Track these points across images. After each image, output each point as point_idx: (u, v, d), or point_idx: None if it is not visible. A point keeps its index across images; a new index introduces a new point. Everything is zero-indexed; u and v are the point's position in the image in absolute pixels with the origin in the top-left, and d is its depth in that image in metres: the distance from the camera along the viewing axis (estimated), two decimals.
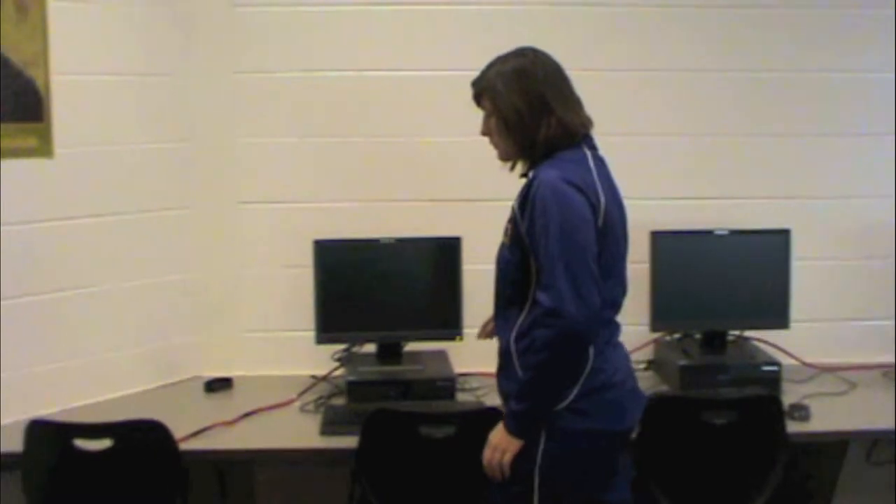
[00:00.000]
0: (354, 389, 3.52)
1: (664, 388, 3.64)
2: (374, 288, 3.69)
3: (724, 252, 3.76)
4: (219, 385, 3.71)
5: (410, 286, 3.71)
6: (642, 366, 3.79)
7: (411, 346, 3.74)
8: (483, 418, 2.92)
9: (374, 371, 3.60)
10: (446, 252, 3.70)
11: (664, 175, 3.91)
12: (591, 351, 2.75)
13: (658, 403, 3.15)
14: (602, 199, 2.74)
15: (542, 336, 2.68)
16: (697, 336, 3.82)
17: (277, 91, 3.81)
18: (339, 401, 3.54)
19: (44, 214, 3.43)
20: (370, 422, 3.05)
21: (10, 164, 3.33)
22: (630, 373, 2.92)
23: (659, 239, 3.75)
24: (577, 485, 2.79)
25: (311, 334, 3.67)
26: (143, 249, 3.70)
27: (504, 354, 2.86)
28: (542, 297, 2.67)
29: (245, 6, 3.78)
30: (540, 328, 2.69)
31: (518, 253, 2.78)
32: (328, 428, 3.27)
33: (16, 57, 3.35)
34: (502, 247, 2.87)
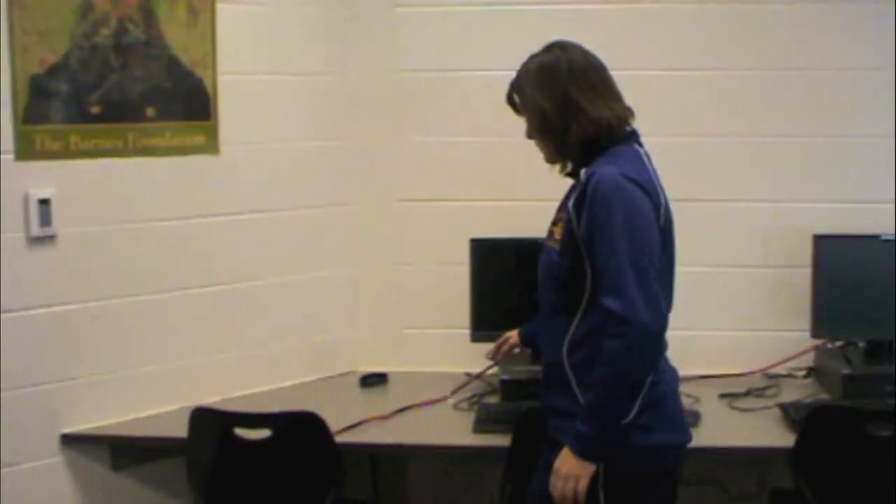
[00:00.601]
0: (508, 388, 3.52)
1: (825, 396, 3.53)
2: (528, 286, 3.67)
3: (889, 258, 3.61)
4: (374, 380, 3.76)
5: None
6: (802, 373, 3.69)
7: None
8: None
9: (528, 370, 3.59)
10: None
11: (824, 177, 3.79)
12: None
13: (819, 413, 3.04)
14: (662, 197, 2.62)
15: (614, 347, 2.48)
16: (861, 345, 3.69)
17: (437, 90, 3.83)
18: (493, 399, 3.54)
19: (210, 210, 3.54)
20: (523, 421, 3.05)
21: (178, 161, 3.46)
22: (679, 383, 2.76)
23: (822, 243, 3.63)
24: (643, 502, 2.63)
25: (467, 332, 3.69)
26: (305, 245, 3.78)
27: (554, 367, 2.68)
28: (612, 304, 2.48)
29: (406, 6, 3.82)
30: (610, 339, 2.49)
31: (570, 257, 2.60)
32: (481, 426, 3.27)
33: (186, 58, 3.47)
34: (547, 251, 2.72)
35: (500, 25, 3.79)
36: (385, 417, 3.38)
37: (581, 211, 2.57)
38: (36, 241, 3.19)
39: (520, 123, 3.82)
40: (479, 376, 3.70)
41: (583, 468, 2.55)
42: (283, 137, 3.69)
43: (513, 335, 3.23)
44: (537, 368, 3.58)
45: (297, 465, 3.08)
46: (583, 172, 2.62)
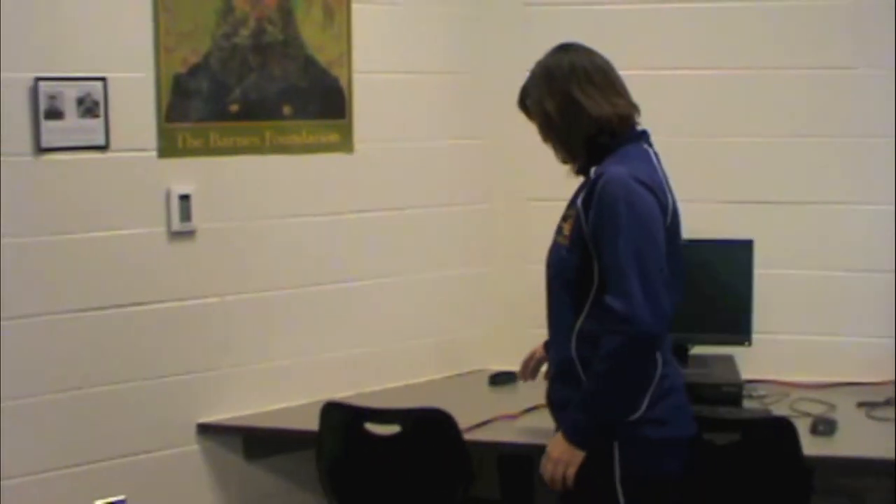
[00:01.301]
0: None
1: None
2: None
3: None
4: (503, 378, 3.76)
5: (698, 288, 3.62)
6: None
7: (697, 350, 3.66)
8: (771, 428, 2.82)
9: None
10: (737, 255, 3.60)
11: None
12: (660, 358, 2.64)
13: None
14: (670, 198, 2.64)
15: (611, 342, 2.55)
16: None
17: None
18: None
19: (343, 207, 3.60)
20: None
21: (313, 159, 3.52)
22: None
23: None
24: (662, 496, 2.66)
25: None
26: (436, 243, 3.81)
27: (564, 362, 2.71)
28: (614, 303, 2.54)
29: (537, 5, 3.81)
30: (609, 334, 2.56)
31: (578, 253, 2.64)
32: None
33: (322, 58, 3.53)
34: (556, 247, 2.75)
35: (630, 23, 3.75)
36: (513, 416, 3.38)
37: (589, 209, 2.61)
38: (176, 235, 3.29)
39: (655, 122, 3.79)
40: None
41: (573, 454, 2.62)
42: (416, 136, 3.73)
43: (538, 350, 3.21)
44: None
45: (426, 462, 3.10)
46: (593, 171, 2.65)
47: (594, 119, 2.65)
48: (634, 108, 2.73)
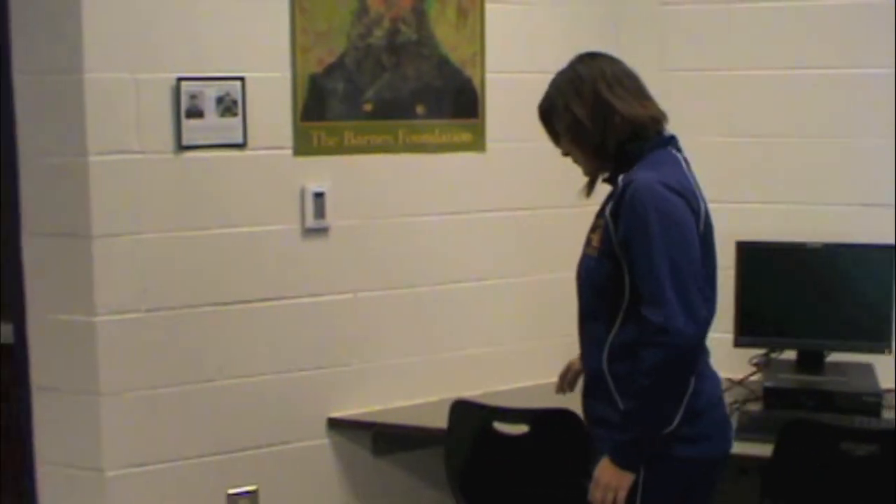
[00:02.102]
0: (771, 396, 3.41)
1: None
2: (798, 293, 3.55)
3: None
4: None
5: (837, 294, 3.54)
6: None
7: (834, 357, 3.57)
8: None
9: (793, 379, 3.47)
10: (879, 260, 3.49)
11: None
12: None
13: None
14: (702, 204, 2.56)
15: (652, 357, 2.45)
16: None
17: (703, 89, 3.75)
18: (755, 407, 3.44)
19: (474, 206, 3.61)
20: (787, 431, 2.94)
21: (446, 158, 3.54)
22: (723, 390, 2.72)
23: None
24: None
25: (730, 337, 3.60)
26: (566, 242, 3.76)
27: (595, 376, 2.64)
28: (651, 314, 2.45)
29: (673, 4, 3.76)
30: (648, 348, 2.46)
31: (608, 264, 2.56)
32: (742, 434, 3.18)
33: (455, 57, 3.54)
34: (586, 258, 2.67)
35: (768, 23, 3.67)
36: None
37: (618, 218, 2.53)
38: (310, 232, 3.35)
39: (792, 123, 3.71)
40: (740, 382, 3.60)
41: (621, 478, 2.53)
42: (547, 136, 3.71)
43: (574, 362, 3.09)
44: (804, 377, 3.48)
45: (554, 462, 3.09)
46: (620, 178, 2.56)
47: (627, 120, 2.59)
48: (663, 114, 2.66)
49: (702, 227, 2.55)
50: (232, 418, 3.29)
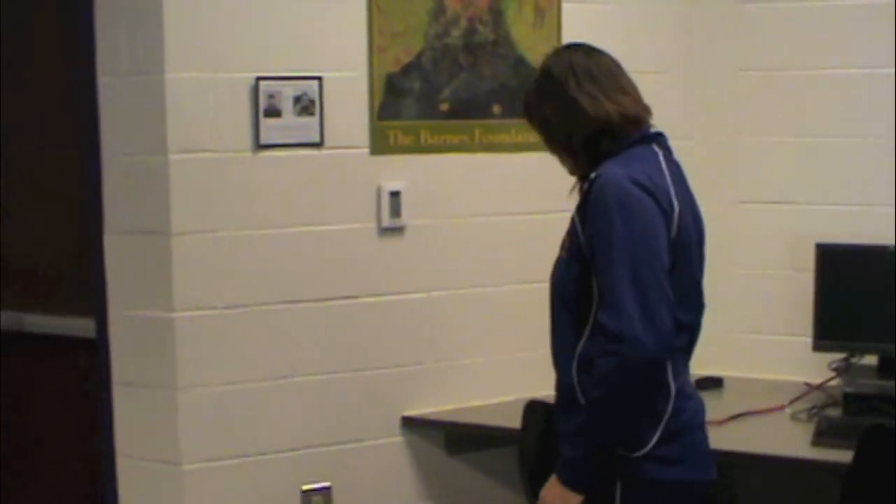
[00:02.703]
0: (851, 402, 3.35)
1: None
2: (880, 297, 3.49)
3: None
4: (708, 384, 3.67)
5: None
6: None
7: None
8: None
9: (874, 384, 3.41)
10: None
11: None
12: (673, 387, 2.36)
13: None
14: (676, 204, 2.36)
15: (604, 366, 2.26)
16: None
17: (782, 89, 3.70)
18: (834, 412, 3.38)
19: (551, 206, 3.56)
20: (866, 438, 2.89)
21: (521, 158, 3.53)
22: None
23: None
24: None
25: (808, 340, 3.55)
26: None
27: (566, 389, 2.46)
28: (606, 319, 2.26)
29: (753, 2, 3.72)
30: (602, 356, 2.27)
31: (576, 268, 2.39)
32: (821, 439, 3.13)
33: (532, 57, 3.53)
34: (558, 262, 2.49)
35: (846, 22, 3.61)
36: (719, 423, 3.30)
37: (584, 217, 2.38)
38: (386, 231, 3.36)
39: (873, 124, 3.64)
40: (819, 387, 3.54)
41: (567, 498, 2.36)
42: None
43: None
44: (884, 383, 3.42)
45: None
46: (592, 175, 2.40)
47: (592, 118, 2.42)
48: (643, 108, 2.49)
49: (675, 228, 2.36)
50: (307, 415, 3.31)
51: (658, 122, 3.68)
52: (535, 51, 3.53)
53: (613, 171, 2.35)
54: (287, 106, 3.21)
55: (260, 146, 3.19)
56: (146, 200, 3.12)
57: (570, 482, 2.36)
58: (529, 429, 3.14)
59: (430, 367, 3.46)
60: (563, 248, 2.49)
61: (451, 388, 3.48)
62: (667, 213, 2.34)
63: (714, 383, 3.69)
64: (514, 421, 3.15)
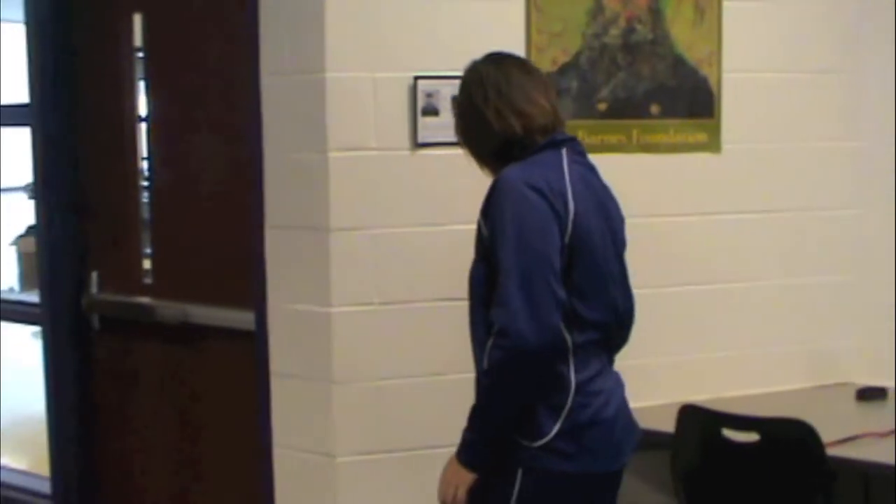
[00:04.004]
0: None
1: None
2: None
3: None
4: (872, 394, 3.56)
5: None
6: None
7: None
8: None
9: None
10: None
11: None
12: (574, 381, 2.47)
13: None
14: (571, 206, 2.44)
15: (491, 358, 2.40)
16: None
17: None
18: None
19: (709, 207, 3.53)
20: None
21: (679, 158, 3.48)
22: (624, 405, 2.61)
23: None
24: None
25: None
26: (805, 248, 3.67)
27: (479, 380, 2.55)
28: (495, 315, 2.39)
29: None
30: (491, 350, 2.40)
31: (483, 267, 2.51)
32: None
33: (691, 56, 3.49)
34: (473, 263, 2.59)
35: None
36: (882, 435, 3.20)
37: (486, 216, 2.50)
38: None
39: None
40: None
41: (461, 475, 2.51)
42: (788, 137, 3.60)
43: None
44: None
45: (785, 474, 3.00)
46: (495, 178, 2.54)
47: (497, 132, 2.55)
48: (553, 117, 2.58)
49: (569, 231, 2.45)
50: (459, 413, 3.31)
51: (822, 123, 3.64)
52: (694, 50, 3.48)
53: (511, 174, 2.47)
54: (445, 104, 3.23)
55: (418, 144, 3.22)
56: (306, 197, 3.18)
57: (465, 461, 2.53)
58: (684, 434, 3.11)
59: None
60: (476, 248, 2.61)
61: None
62: (560, 215, 2.43)
63: (878, 393, 3.57)
64: (668, 425, 3.12)
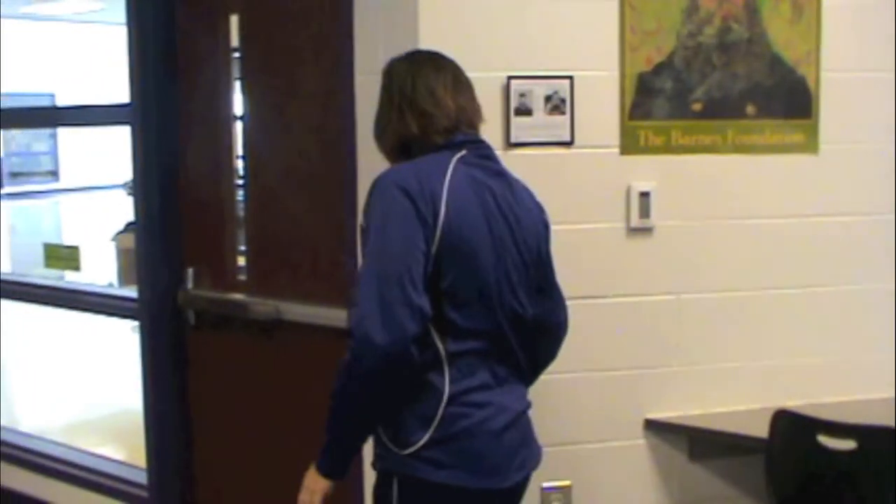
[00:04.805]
0: None
1: None
2: None
3: None
4: None
5: None
6: None
7: None
8: None
9: None
10: None
11: None
12: (447, 391, 2.37)
13: None
14: (443, 211, 2.34)
15: (341, 360, 2.31)
16: None
17: None
18: None
19: (806, 209, 3.48)
20: None
21: (776, 159, 3.43)
22: (516, 422, 2.48)
23: None
24: None
25: None
26: None
27: None
28: (351, 318, 2.35)
29: None
30: (347, 351, 2.31)
31: None
32: None
33: (788, 56, 3.43)
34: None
35: None
36: None
37: (364, 214, 2.45)
38: (635, 231, 3.34)
39: None
40: None
41: (316, 481, 2.44)
42: (888, 138, 3.52)
43: None
44: None
45: (882, 483, 2.94)
46: None
47: (396, 132, 2.55)
48: (457, 120, 2.53)
49: (437, 235, 2.35)
50: (548, 413, 3.31)
51: None
52: (791, 49, 3.43)
53: (388, 174, 2.43)
54: (538, 105, 3.23)
55: (510, 144, 3.23)
56: None
57: (319, 466, 2.46)
58: (779, 439, 3.06)
59: (676, 371, 3.41)
60: None
61: (696, 393, 3.43)
62: (427, 220, 2.35)
63: None
64: (761, 430, 3.08)
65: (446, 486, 2.40)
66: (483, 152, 2.56)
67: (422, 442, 2.40)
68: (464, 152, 2.50)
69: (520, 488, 2.56)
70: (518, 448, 2.51)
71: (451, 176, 2.42)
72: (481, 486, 2.42)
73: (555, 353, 2.77)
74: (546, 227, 2.65)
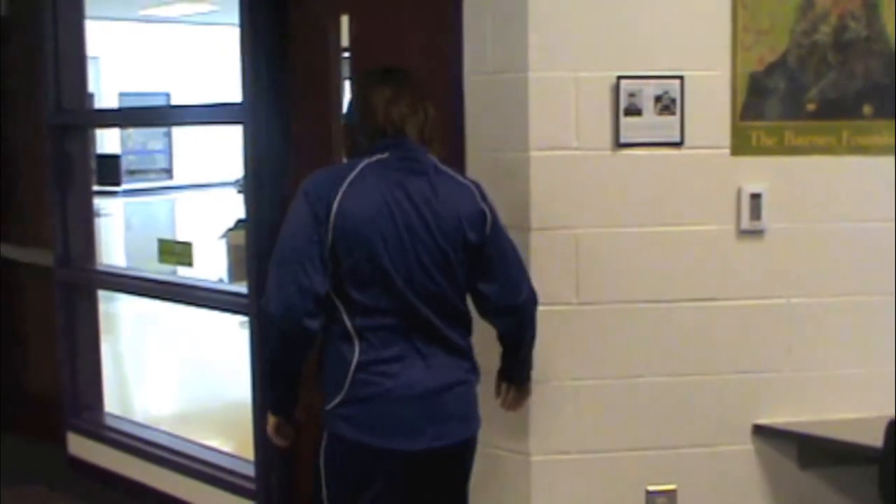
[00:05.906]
0: None
1: None
2: None
3: None
4: None
5: None
6: None
7: None
8: None
9: None
10: None
11: None
12: (355, 361, 2.72)
13: None
14: (335, 209, 2.70)
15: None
16: None
17: None
18: None
19: None
20: None
21: (892, 161, 3.34)
22: (432, 394, 2.76)
23: None
24: (334, 487, 2.80)
25: None
26: None
27: None
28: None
29: None
30: None
31: None
32: None
33: None
34: None
35: None
36: None
37: None
38: (745, 234, 3.28)
39: None
40: None
41: (268, 417, 2.94)
42: None
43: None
44: None
45: None
46: None
47: (350, 136, 2.92)
48: (390, 127, 2.80)
49: (330, 228, 2.70)
50: (656, 416, 3.30)
51: None
52: None
53: (305, 180, 2.81)
54: (648, 105, 3.20)
55: (620, 145, 3.21)
56: (507, 195, 3.20)
57: (265, 405, 3.00)
58: (892, 449, 2.98)
59: (787, 376, 3.35)
60: None
61: (807, 399, 3.36)
62: (320, 217, 2.72)
63: None
64: (875, 439, 3.00)
65: (357, 443, 2.75)
66: (405, 154, 2.81)
67: (335, 401, 2.77)
68: (385, 155, 2.79)
69: (446, 457, 2.83)
70: (434, 416, 2.79)
71: (355, 177, 2.76)
72: (385, 446, 2.75)
73: (524, 333, 2.97)
74: (482, 216, 2.83)
